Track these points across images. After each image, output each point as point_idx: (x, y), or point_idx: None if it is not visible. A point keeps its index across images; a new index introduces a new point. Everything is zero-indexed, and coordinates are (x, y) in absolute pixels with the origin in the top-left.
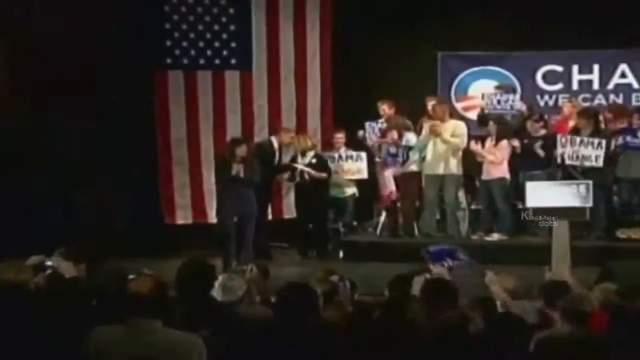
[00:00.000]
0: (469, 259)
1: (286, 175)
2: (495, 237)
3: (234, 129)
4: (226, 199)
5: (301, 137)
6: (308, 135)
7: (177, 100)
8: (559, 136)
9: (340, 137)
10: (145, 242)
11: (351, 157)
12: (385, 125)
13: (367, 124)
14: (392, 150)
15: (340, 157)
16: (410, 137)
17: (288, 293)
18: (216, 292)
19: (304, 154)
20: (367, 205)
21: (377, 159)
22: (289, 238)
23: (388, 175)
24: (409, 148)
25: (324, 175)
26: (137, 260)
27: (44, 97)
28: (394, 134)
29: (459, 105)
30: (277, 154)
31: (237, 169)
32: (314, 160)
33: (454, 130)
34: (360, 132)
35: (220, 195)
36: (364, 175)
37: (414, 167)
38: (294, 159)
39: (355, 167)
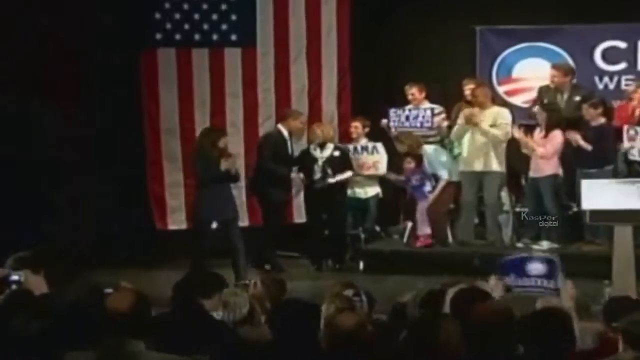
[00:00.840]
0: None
1: (301, 175)
2: (544, 245)
3: (234, 116)
4: (209, 199)
5: (322, 126)
6: (324, 123)
7: (168, 83)
8: (625, 127)
9: (357, 125)
10: (132, 251)
11: (366, 148)
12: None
13: (392, 112)
14: (416, 181)
15: (355, 149)
16: (430, 152)
17: (286, 312)
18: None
19: (322, 146)
20: (393, 208)
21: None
22: (300, 246)
23: (420, 214)
24: (450, 143)
25: (349, 174)
26: (121, 272)
27: (10, 82)
28: (410, 164)
29: (501, 89)
30: (289, 146)
31: (228, 165)
32: (335, 153)
33: (496, 119)
34: (384, 121)
35: (201, 195)
36: (382, 170)
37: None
38: (307, 152)
39: (370, 160)
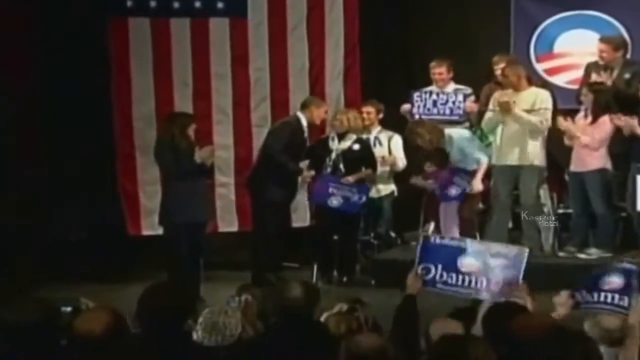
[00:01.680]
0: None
1: (312, 172)
2: (592, 253)
3: (222, 100)
4: (181, 198)
5: (350, 112)
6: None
7: (142, 60)
8: None
9: (370, 111)
10: (97, 262)
11: (378, 140)
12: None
13: (415, 95)
14: (441, 184)
15: (369, 140)
16: (460, 136)
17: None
18: (199, 333)
19: (342, 137)
20: (410, 210)
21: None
22: (300, 255)
23: (444, 216)
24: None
25: (367, 172)
26: (83, 287)
27: None
28: (430, 168)
29: (540, 67)
30: (306, 138)
31: (204, 156)
32: (355, 147)
33: (534, 103)
34: (406, 107)
35: (171, 193)
36: (397, 166)
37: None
38: (323, 142)
39: (381, 154)
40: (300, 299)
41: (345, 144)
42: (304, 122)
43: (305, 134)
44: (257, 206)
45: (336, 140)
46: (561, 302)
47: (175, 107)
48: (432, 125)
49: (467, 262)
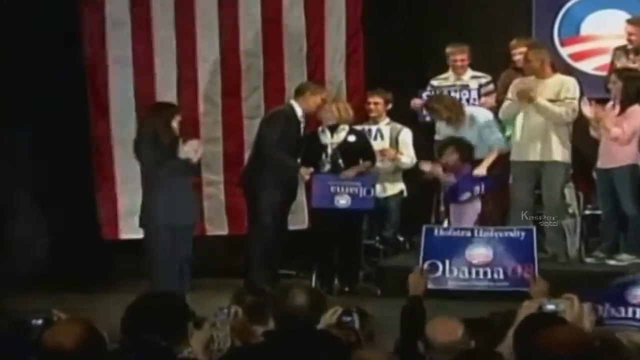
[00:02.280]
0: None
1: (311, 169)
2: (623, 259)
3: (209, 88)
4: (164, 199)
5: (340, 103)
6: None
7: (119, 44)
8: None
9: (378, 101)
10: (71, 269)
11: (380, 132)
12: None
13: (430, 85)
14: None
15: (370, 132)
16: (478, 117)
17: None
18: (183, 347)
19: (334, 130)
20: (420, 210)
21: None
22: (298, 262)
23: (457, 218)
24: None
25: (366, 164)
26: (53, 297)
27: None
28: (452, 155)
29: (565, 52)
30: (302, 130)
31: (188, 152)
32: (351, 139)
33: (558, 92)
34: (417, 101)
35: (153, 193)
36: (401, 162)
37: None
38: (313, 136)
39: (381, 147)
40: (305, 307)
41: (340, 137)
42: (299, 112)
43: (302, 125)
44: (252, 208)
45: (328, 134)
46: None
47: (157, 97)
48: (452, 100)
49: (477, 252)
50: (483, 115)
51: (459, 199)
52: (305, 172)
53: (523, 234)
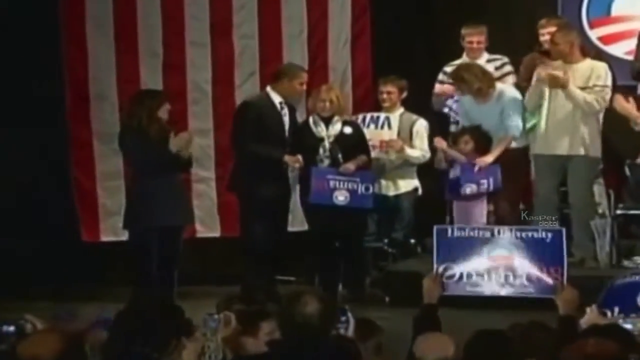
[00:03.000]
0: None
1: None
2: None
3: (199, 75)
4: (151, 197)
5: (333, 90)
6: (333, 87)
7: (100, 26)
8: None
9: (391, 90)
10: (45, 273)
11: (388, 121)
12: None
13: (443, 71)
14: (455, 172)
15: (377, 120)
16: (506, 93)
17: None
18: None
19: (328, 121)
20: (434, 210)
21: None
22: (298, 266)
23: (462, 216)
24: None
25: (363, 158)
26: (26, 303)
27: None
28: (467, 147)
29: (594, 34)
30: (283, 118)
31: (180, 144)
32: (347, 130)
33: (589, 78)
34: (443, 87)
35: (140, 191)
36: (408, 154)
37: (515, 144)
38: (305, 128)
39: (386, 137)
40: (316, 316)
41: (336, 129)
42: (277, 100)
43: (282, 113)
44: (240, 210)
45: (322, 126)
46: (590, 322)
47: (142, 84)
48: (482, 69)
49: (497, 255)
50: (512, 92)
51: (461, 193)
52: (293, 161)
53: (550, 235)
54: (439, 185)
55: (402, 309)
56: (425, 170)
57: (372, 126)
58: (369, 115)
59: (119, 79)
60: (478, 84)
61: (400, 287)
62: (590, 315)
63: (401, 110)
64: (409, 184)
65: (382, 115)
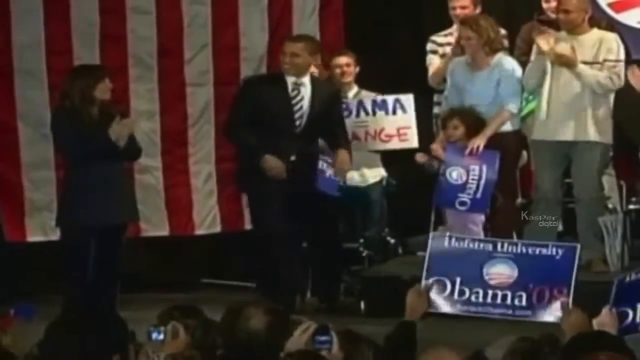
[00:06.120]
0: None
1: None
2: None
3: (141, 47)
4: (89, 189)
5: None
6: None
7: None
8: None
9: (349, 62)
10: None
11: (362, 106)
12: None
13: (430, 40)
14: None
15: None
16: (506, 65)
17: None
18: None
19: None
20: (419, 204)
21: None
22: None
23: (453, 217)
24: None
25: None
26: None
27: None
28: (457, 129)
29: (605, 1)
30: (298, 102)
31: (118, 133)
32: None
33: (597, 52)
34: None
35: (73, 182)
36: (411, 142)
37: (509, 127)
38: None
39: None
40: (262, 332)
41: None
42: (291, 79)
43: (295, 94)
44: (251, 205)
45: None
46: (603, 324)
47: (75, 59)
48: (497, 27)
49: (497, 271)
50: (511, 62)
51: (456, 205)
52: (270, 167)
53: (561, 252)
54: (425, 183)
55: (380, 319)
56: (400, 156)
57: (382, 112)
58: (368, 101)
59: (48, 54)
60: (492, 34)
61: (377, 294)
62: (606, 317)
63: (355, 88)
64: (376, 173)
65: (390, 98)
